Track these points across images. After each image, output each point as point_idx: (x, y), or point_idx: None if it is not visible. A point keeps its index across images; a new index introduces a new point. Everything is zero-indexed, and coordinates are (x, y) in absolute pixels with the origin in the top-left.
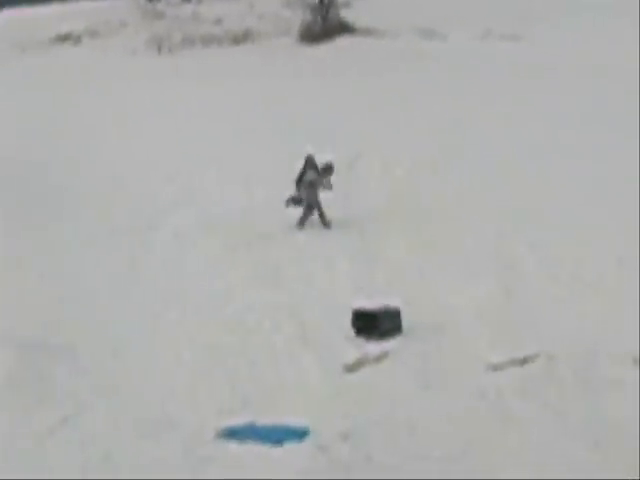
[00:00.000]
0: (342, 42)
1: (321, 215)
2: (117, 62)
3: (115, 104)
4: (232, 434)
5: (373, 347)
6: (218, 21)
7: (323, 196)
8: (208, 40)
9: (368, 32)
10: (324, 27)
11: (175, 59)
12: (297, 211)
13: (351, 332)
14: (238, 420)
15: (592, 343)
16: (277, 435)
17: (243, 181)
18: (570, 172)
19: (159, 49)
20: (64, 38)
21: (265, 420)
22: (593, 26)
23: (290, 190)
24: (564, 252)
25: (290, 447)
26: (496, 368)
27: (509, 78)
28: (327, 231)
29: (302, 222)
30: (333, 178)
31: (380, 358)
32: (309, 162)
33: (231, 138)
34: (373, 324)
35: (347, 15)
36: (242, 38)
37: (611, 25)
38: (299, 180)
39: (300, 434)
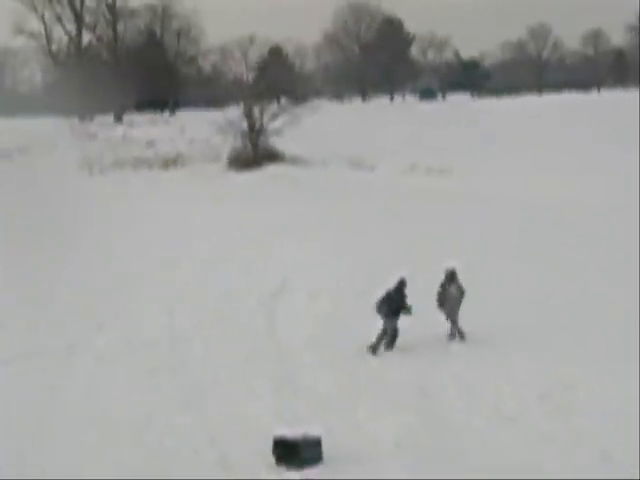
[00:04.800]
0: (270, 169)
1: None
2: (48, 181)
3: None
4: None
5: (293, 475)
6: (149, 144)
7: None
8: (139, 163)
9: (297, 160)
10: (254, 154)
11: (106, 179)
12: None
13: (272, 460)
14: None
15: (511, 476)
16: None
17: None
18: (491, 295)
19: (90, 170)
20: None
21: None
22: (517, 160)
23: None
24: (486, 384)
25: None
26: None
27: (434, 205)
28: (246, 358)
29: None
30: None
31: None
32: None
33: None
34: (293, 452)
35: (277, 143)
36: (172, 162)
37: (535, 160)
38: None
39: None
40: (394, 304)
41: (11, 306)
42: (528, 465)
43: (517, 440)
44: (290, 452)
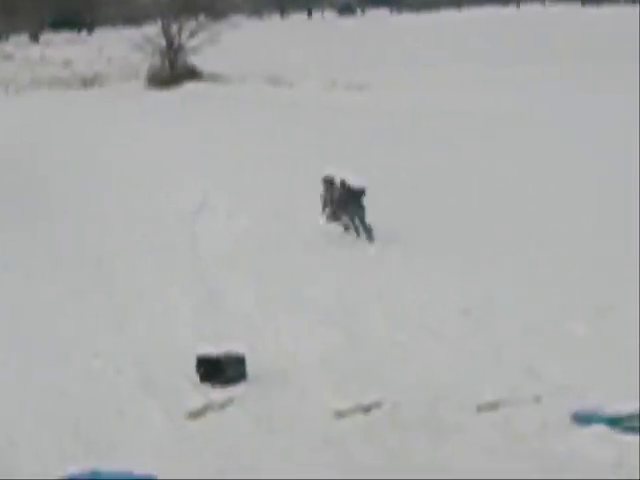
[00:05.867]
0: (189, 87)
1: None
2: None
3: None
4: None
5: (218, 393)
6: (67, 64)
7: None
8: (56, 82)
9: (215, 77)
10: (172, 72)
11: (22, 99)
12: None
13: (196, 378)
14: (81, 467)
15: (436, 390)
16: None
17: None
18: (413, 216)
19: (6, 90)
20: None
21: (109, 467)
22: (436, 75)
23: None
24: (408, 299)
25: None
26: (341, 415)
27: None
28: (169, 276)
29: None
30: None
31: (224, 404)
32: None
33: None
34: (217, 370)
35: (195, 61)
36: (90, 81)
37: (453, 75)
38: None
39: None
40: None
41: None
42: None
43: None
44: (214, 370)
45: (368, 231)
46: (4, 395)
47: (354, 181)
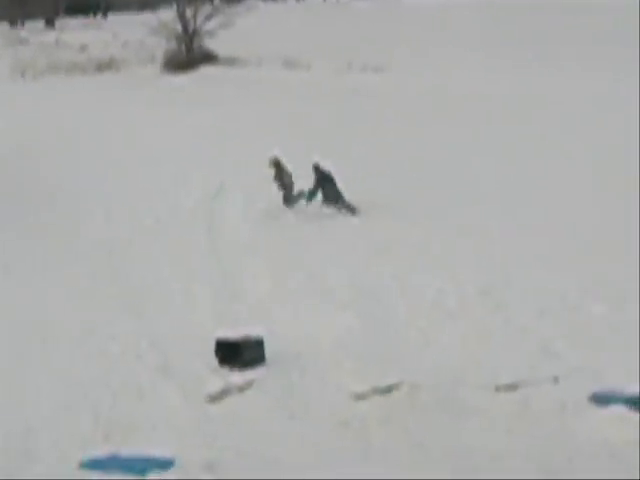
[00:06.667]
0: (205, 71)
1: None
2: None
3: None
4: (95, 465)
5: (236, 377)
6: (82, 48)
7: None
8: (72, 67)
9: (232, 61)
10: (188, 56)
11: (39, 85)
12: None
13: (214, 362)
14: (101, 451)
15: (454, 372)
16: (141, 465)
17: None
18: (431, 201)
19: (23, 75)
20: None
21: (128, 451)
22: (450, 57)
23: None
24: (425, 281)
25: (154, 477)
26: (359, 397)
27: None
28: (185, 260)
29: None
30: None
31: (244, 388)
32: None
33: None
34: (236, 353)
35: (211, 44)
36: (106, 66)
37: (466, 56)
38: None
39: (164, 464)
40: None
41: None
42: None
43: None
44: (233, 353)
45: (349, 208)
46: (22, 380)
47: (324, 165)
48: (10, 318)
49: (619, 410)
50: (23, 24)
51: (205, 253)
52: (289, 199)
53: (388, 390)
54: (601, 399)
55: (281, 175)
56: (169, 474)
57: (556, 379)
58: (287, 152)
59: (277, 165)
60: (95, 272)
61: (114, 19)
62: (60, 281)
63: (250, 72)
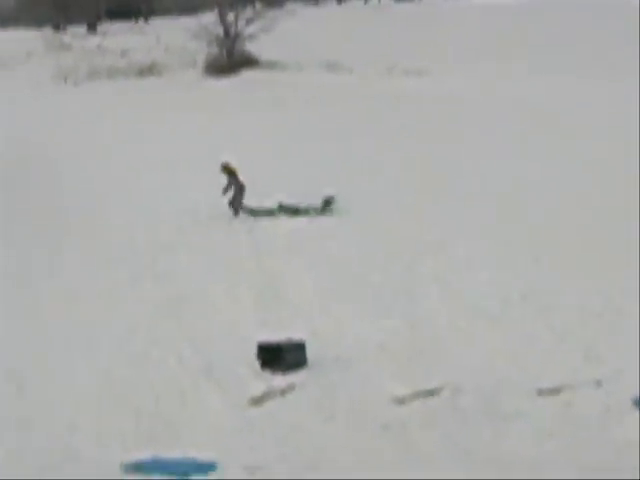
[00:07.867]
0: (247, 75)
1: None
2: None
3: None
4: (137, 468)
5: (278, 380)
6: (124, 53)
7: None
8: (114, 72)
9: (273, 65)
10: (229, 60)
11: (80, 90)
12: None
13: (256, 365)
14: (143, 454)
15: (496, 375)
16: (183, 468)
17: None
18: (474, 205)
19: (65, 80)
20: None
21: (170, 454)
22: (491, 64)
23: None
24: (468, 285)
25: None
26: (401, 401)
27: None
28: (229, 265)
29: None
30: None
31: (285, 391)
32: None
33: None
34: (278, 357)
35: (252, 48)
36: (147, 70)
37: (504, 64)
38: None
39: (207, 468)
40: None
41: None
42: None
43: None
44: (275, 357)
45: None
46: (66, 381)
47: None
48: (55, 320)
49: None
50: (65, 29)
51: (245, 254)
52: (236, 205)
53: (430, 394)
54: None
55: (233, 180)
56: (211, 477)
57: (599, 382)
58: (328, 154)
59: (228, 170)
60: (135, 274)
61: (155, 23)
62: (100, 286)
63: (291, 76)
